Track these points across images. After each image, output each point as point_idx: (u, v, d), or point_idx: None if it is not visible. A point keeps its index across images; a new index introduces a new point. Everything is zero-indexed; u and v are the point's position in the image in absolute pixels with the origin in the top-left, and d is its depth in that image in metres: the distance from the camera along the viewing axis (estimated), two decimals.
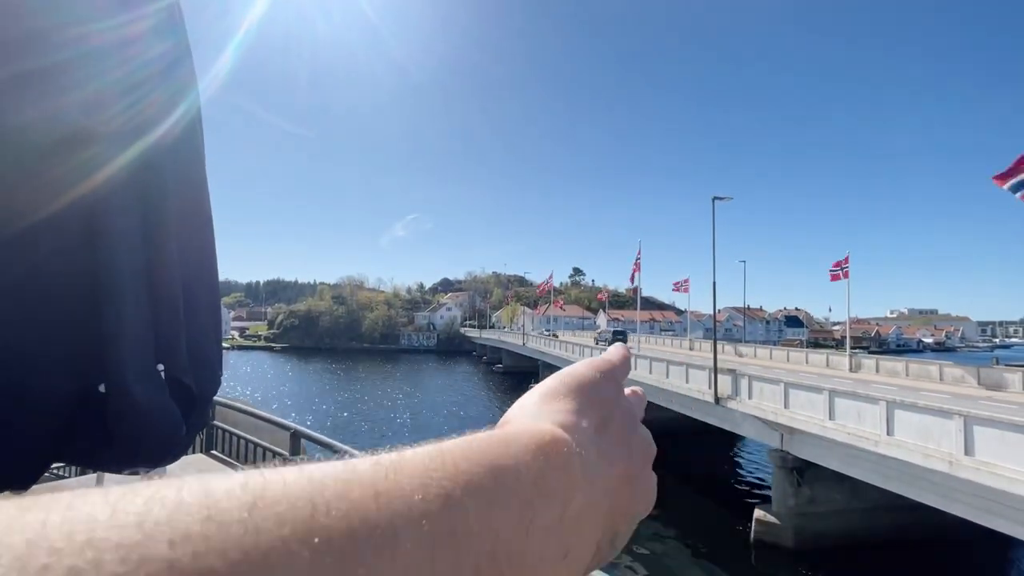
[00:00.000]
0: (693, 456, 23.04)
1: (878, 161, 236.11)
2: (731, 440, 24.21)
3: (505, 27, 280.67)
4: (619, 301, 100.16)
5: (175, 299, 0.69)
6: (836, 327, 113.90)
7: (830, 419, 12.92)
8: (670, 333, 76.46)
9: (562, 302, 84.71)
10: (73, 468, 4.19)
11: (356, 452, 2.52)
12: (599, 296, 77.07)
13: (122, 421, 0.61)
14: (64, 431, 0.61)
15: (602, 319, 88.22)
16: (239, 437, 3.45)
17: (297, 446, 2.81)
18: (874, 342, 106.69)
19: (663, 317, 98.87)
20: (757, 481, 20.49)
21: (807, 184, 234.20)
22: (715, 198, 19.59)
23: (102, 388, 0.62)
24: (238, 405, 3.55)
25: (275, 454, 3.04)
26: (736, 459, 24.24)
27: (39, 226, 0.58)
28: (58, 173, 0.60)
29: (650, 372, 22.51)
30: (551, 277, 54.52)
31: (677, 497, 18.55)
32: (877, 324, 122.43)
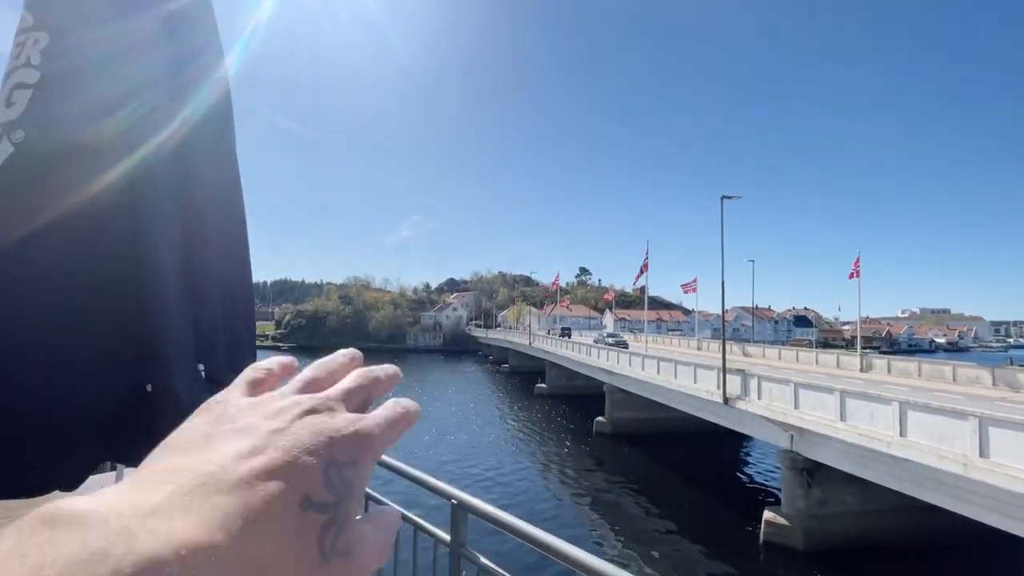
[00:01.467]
0: (701, 456, 22.94)
1: (889, 159, 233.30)
2: (739, 441, 24.08)
3: (512, 26, 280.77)
4: (626, 301, 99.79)
5: (215, 303, 0.71)
6: (846, 327, 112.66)
7: (841, 420, 12.78)
8: (677, 333, 76.10)
9: (568, 302, 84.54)
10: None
11: None
12: (606, 296, 76.82)
13: (167, 420, 0.62)
14: (112, 430, 0.62)
15: (609, 319, 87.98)
16: None
17: None
18: (885, 342, 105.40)
19: (670, 317, 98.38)
20: (766, 482, 20.35)
21: (816, 182, 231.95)
22: (724, 197, 19.47)
23: (149, 388, 0.63)
24: None
25: None
26: (744, 460, 24.08)
27: (89, 233, 0.60)
28: (102, 181, 0.62)
29: (658, 372, 22.39)
30: (557, 277, 54.47)
31: (686, 497, 18.48)
32: (888, 324, 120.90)
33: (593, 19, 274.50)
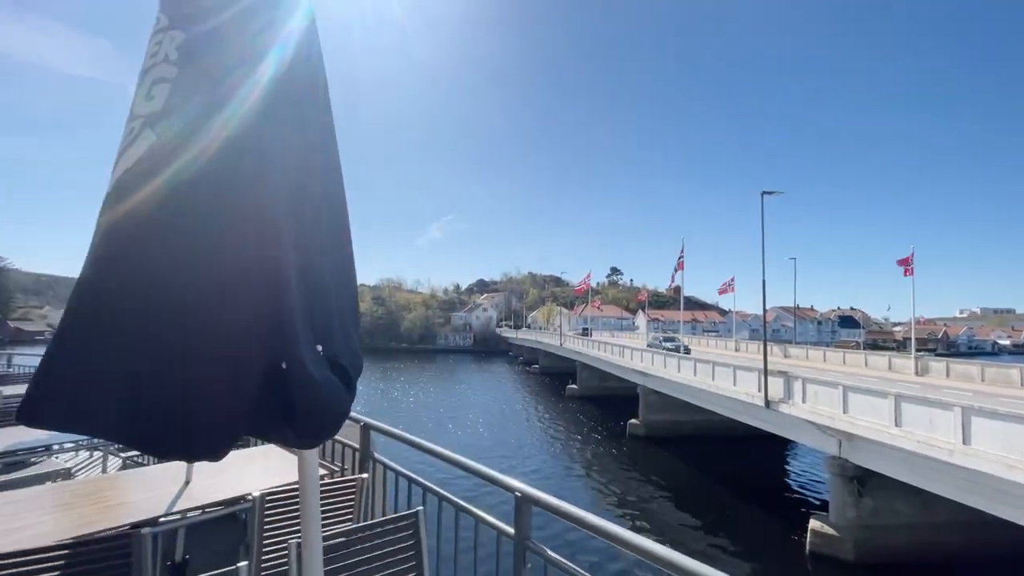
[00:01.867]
0: (740, 461, 22.18)
1: (943, 152, 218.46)
2: (781, 445, 23.13)
3: (540, 26, 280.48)
4: (659, 301, 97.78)
5: (327, 291, 0.76)
6: (897, 328, 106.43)
7: (896, 425, 12.07)
8: (713, 334, 73.97)
9: (600, 302, 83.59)
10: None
11: (424, 442, 2.59)
12: (639, 296, 75.41)
13: (306, 395, 0.67)
14: (254, 406, 0.67)
15: (641, 319, 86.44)
16: None
17: (367, 438, 2.94)
18: (941, 344, 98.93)
19: (706, 317, 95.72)
20: (810, 489, 19.46)
21: (863, 178, 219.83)
22: (764, 192, 18.73)
23: (283, 365, 0.67)
24: None
25: (344, 446, 3.21)
26: (786, 465, 23.13)
27: (222, 223, 0.66)
28: (233, 171, 0.68)
29: (695, 374, 21.81)
30: (588, 277, 53.86)
31: (724, 503, 17.90)
32: (945, 324, 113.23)
33: (623, 16, 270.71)
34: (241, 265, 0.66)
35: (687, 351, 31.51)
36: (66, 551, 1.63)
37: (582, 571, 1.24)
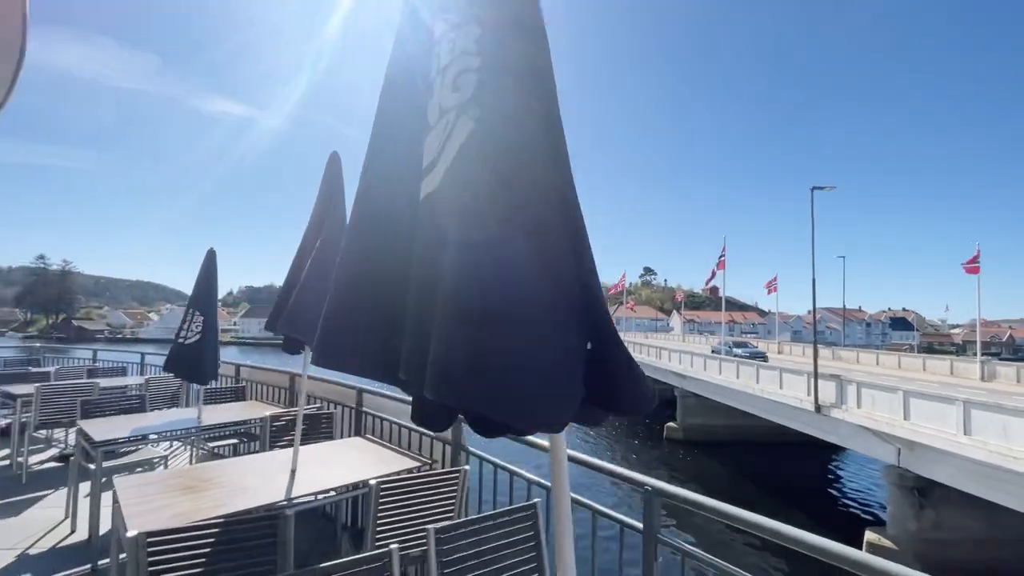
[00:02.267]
0: (785, 468, 21.33)
1: (1002, 142, 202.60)
2: (829, 452, 22.12)
3: (575, 24, 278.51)
4: (695, 302, 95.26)
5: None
6: (955, 330, 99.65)
7: (965, 434, 11.35)
8: (753, 335, 71.45)
9: (633, 303, 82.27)
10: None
11: (531, 438, 2.66)
12: (676, 296, 73.71)
13: (630, 370, 0.73)
14: (580, 382, 0.73)
15: (676, 320, 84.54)
16: (383, 419, 3.89)
17: (459, 430, 3.10)
18: (1006, 347, 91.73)
19: (744, 319, 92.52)
20: (857, 498, 18.52)
21: (915, 171, 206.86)
22: (814, 188, 17.91)
23: (588, 345, 0.74)
24: (383, 392, 4.01)
25: (422, 434, 3.38)
26: (836, 474, 22.09)
27: (538, 212, 0.74)
28: (539, 156, 0.76)
29: (737, 377, 21.16)
30: (623, 277, 53.05)
31: (771, 511, 17.01)
32: (1010, 327, 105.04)
33: (657, 15, 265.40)
34: (560, 240, 0.72)
35: (764, 359, 27.49)
36: (216, 529, 1.80)
37: (723, 562, 1.26)
